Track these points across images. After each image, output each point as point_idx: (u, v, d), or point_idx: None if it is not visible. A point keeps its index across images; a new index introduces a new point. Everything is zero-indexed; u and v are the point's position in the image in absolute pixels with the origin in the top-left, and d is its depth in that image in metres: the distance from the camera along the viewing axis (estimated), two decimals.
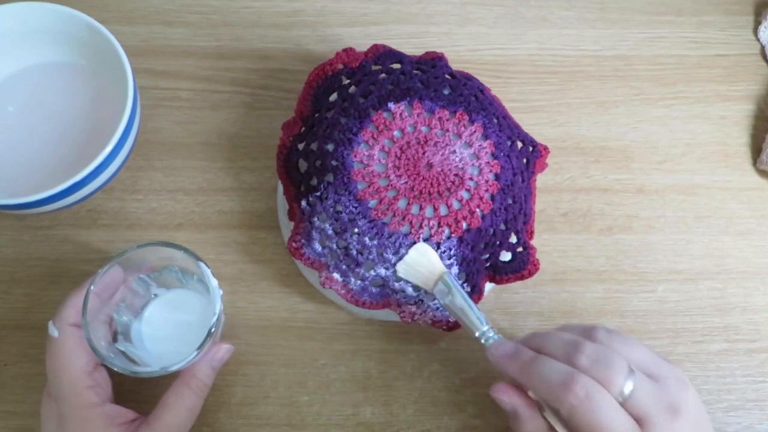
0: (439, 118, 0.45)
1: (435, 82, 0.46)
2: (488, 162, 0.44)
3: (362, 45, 0.50)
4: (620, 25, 0.59)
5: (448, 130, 0.45)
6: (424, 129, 0.44)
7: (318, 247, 0.44)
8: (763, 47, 0.59)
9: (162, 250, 0.42)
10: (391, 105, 0.45)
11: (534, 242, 0.51)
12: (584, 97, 0.57)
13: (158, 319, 0.46)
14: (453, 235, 0.43)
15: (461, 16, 0.59)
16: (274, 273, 0.50)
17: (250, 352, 0.48)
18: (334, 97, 0.47)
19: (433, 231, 0.42)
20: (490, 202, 0.44)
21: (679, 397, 0.37)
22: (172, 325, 0.46)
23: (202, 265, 0.42)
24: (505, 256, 0.46)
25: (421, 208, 0.43)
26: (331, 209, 0.43)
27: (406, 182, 0.43)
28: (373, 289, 0.44)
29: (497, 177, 0.44)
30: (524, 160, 0.47)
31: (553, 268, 0.52)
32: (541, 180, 0.54)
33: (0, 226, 0.50)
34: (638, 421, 0.36)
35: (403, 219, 0.43)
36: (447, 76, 0.47)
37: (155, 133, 0.54)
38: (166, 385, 0.43)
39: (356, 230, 0.43)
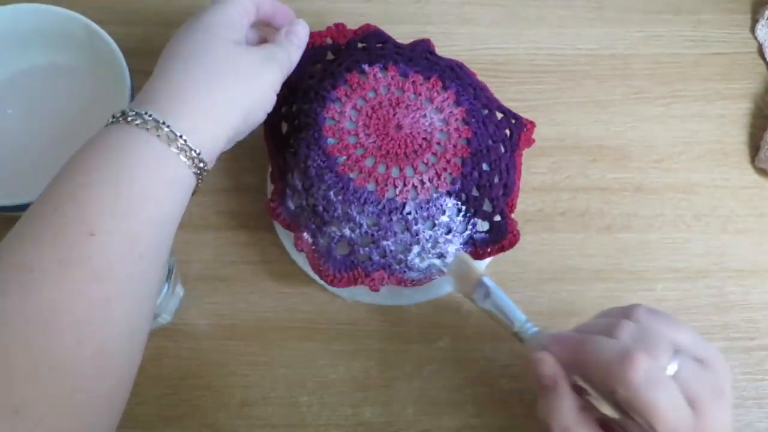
0: (413, 82, 0.46)
1: (412, 54, 0.48)
2: (458, 128, 0.45)
3: None
4: (618, 24, 0.59)
5: (420, 94, 0.46)
6: (396, 92, 0.46)
7: (291, 205, 0.45)
8: (760, 45, 0.59)
9: None
10: (365, 66, 0.46)
11: (531, 239, 0.51)
12: (582, 97, 0.57)
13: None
14: (419, 196, 0.43)
15: (459, 16, 0.59)
16: (274, 273, 0.50)
17: (250, 352, 0.48)
18: (318, 67, 0.49)
19: (398, 191, 0.43)
20: (460, 166, 0.44)
21: (724, 379, 0.36)
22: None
23: None
24: (483, 225, 0.46)
25: (387, 168, 0.44)
26: (302, 164, 0.45)
27: (375, 141, 0.44)
28: (338, 255, 0.44)
29: (468, 141, 0.45)
30: (507, 131, 0.48)
31: (552, 267, 0.52)
32: (540, 179, 0.54)
33: None
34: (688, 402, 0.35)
35: (369, 176, 0.43)
36: (428, 53, 0.49)
37: None
38: None
39: (323, 186, 0.43)
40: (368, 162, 0.44)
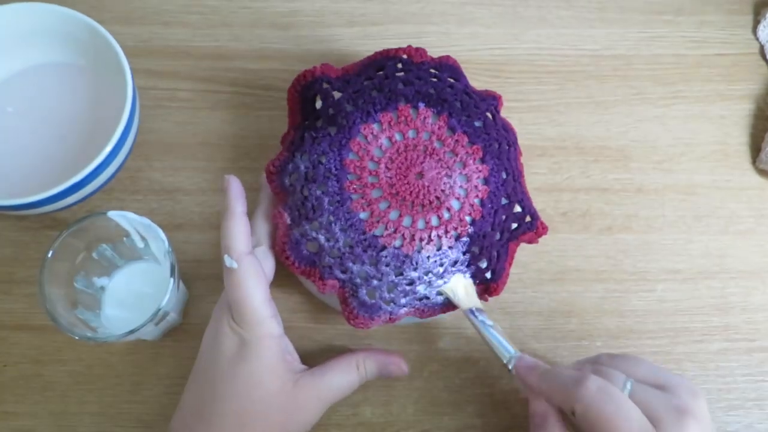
0: (456, 141, 0.44)
1: (474, 107, 0.46)
2: (472, 204, 0.44)
3: (361, 45, 0.50)
4: (619, 24, 0.59)
5: (457, 155, 0.44)
6: (437, 143, 0.44)
7: (286, 181, 0.45)
8: (762, 46, 0.59)
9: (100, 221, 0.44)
10: (421, 105, 0.45)
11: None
12: (583, 97, 0.57)
13: (120, 292, 0.48)
14: (402, 248, 0.42)
15: (460, 16, 0.59)
16: (274, 274, 0.50)
17: None
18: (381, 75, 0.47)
19: (387, 233, 0.42)
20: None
21: (689, 401, 0.37)
22: (133, 297, 0.47)
23: (126, 215, 0.43)
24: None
25: (389, 207, 0.43)
26: (316, 155, 0.44)
27: (390, 178, 0.43)
28: (305, 251, 0.44)
29: (473, 222, 0.43)
30: (513, 224, 0.46)
31: (553, 268, 0.52)
32: (541, 180, 0.54)
33: None
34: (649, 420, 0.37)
35: (369, 205, 0.42)
36: (494, 110, 0.47)
37: (154, 134, 0.54)
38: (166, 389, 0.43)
39: (322, 188, 0.43)
40: (374, 193, 0.43)
